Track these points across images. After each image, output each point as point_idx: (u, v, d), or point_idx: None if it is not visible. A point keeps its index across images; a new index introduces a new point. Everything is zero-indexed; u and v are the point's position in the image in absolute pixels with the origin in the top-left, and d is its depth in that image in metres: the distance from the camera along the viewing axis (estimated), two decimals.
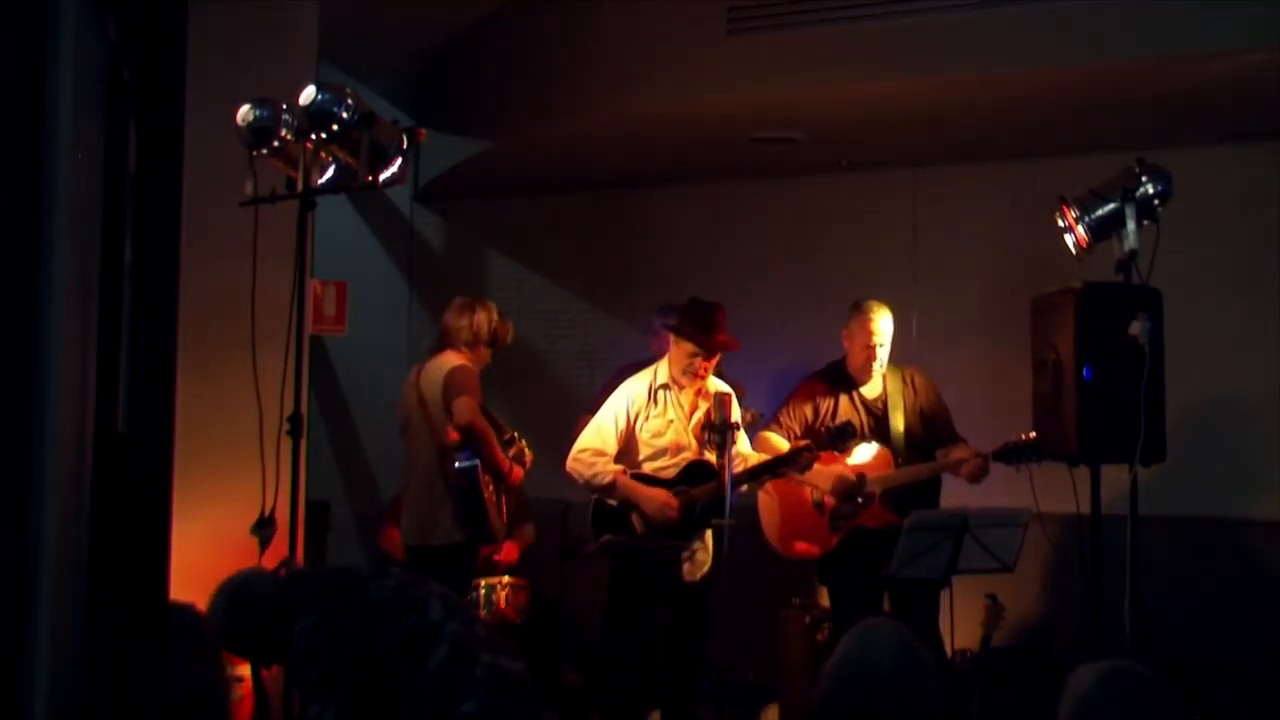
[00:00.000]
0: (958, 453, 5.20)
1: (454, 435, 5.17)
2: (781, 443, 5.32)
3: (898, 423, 5.32)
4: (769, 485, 5.48)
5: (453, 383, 5.17)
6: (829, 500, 5.31)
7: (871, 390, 5.40)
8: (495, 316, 5.35)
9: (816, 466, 5.28)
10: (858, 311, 5.36)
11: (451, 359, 5.27)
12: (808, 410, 5.41)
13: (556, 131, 6.57)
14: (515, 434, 5.58)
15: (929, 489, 5.32)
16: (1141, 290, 4.11)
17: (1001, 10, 5.17)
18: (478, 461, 5.16)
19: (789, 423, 5.42)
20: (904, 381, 5.40)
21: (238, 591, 3.45)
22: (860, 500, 5.25)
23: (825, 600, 5.95)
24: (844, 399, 5.39)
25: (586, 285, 7.74)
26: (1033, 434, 4.59)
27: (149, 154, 1.57)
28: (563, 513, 6.85)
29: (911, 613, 5.13)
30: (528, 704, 3.15)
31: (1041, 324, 4.58)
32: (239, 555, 4.02)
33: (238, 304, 4.22)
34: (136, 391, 1.55)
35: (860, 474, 5.24)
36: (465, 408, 5.11)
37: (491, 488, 5.23)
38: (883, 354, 5.32)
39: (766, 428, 5.47)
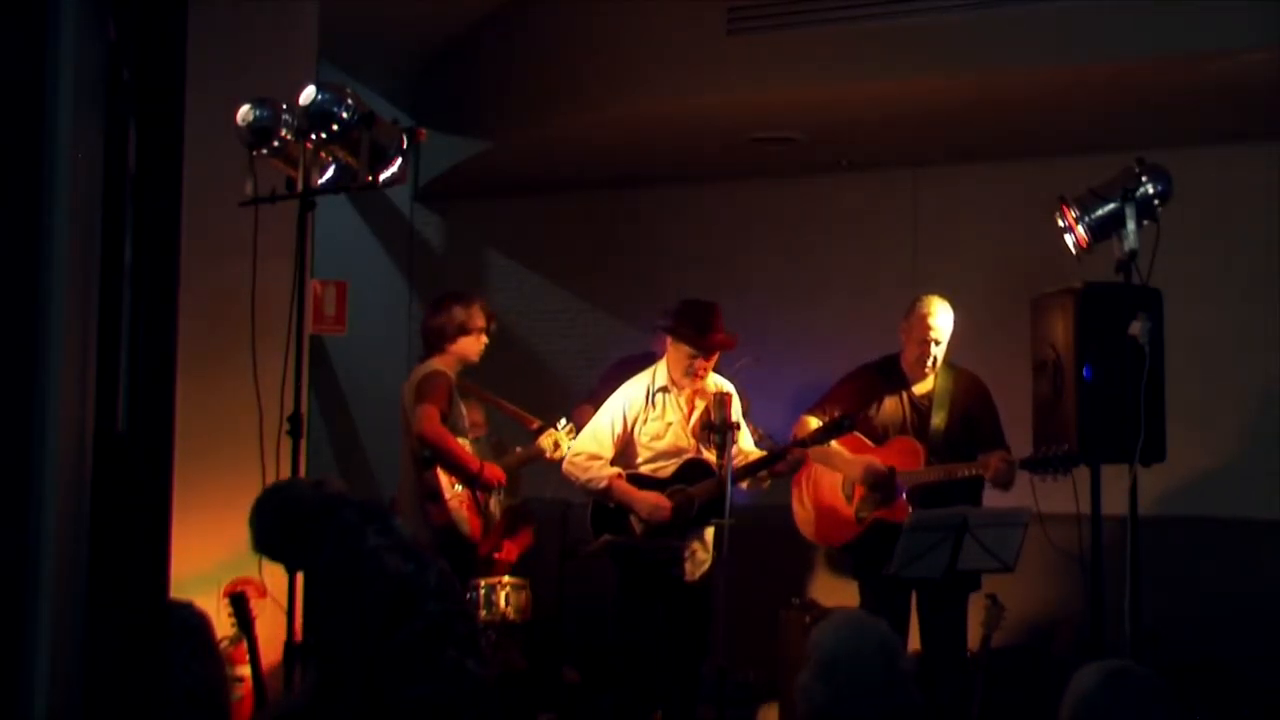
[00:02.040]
0: (991, 457, 5.11)
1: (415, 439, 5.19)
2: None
3: (939, 421, 5.23)
4: (801, 497, 5.45)
5: (420, 390, 5.17)
6: (859, 489, 5.27)
7: (921, 386, 5.32)
8: (454, 310, 5.30)
9: (846, 454, 5.25)
10: (915, 307, 5.26)
11: (429, 365, 5.27)
12: (852, 401, 5.32)
13: (556, 131, 6.57)
14: (565, 420, 5.58)
15: (970, 491, 5.20)
16: (1141, 290, 4.11)
17: (1001, 10, 5.18)
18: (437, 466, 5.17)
19: (832, 411, 5.33)
20: (955, 381, 5.32)
21: (281, 493, 3.63)
22: (884, 492, 5.18)
23: (828, 599, 5.95)
24: (891, 395, 5.33)
25: (586, 285, 7.74)
26: (1065, 445, 4.46)
27: (149, 154, 1.56)
28: (563, 513, 6.85)
29: (940, 611, 5.10)
30: (488, 712, 3.11)
31: (1041, 324, 4.58)
32: (239, 555, 4.02)
33: (238, 304, 4.23)
34: (136, 392, 1.54)
35: (890, 468, 5.18)
36: (422, 416, 5.08)
37: (458, 487, 5.23)
38: (938, 351, 5.22)
39: (810, 412, 5.42)
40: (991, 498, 5.15)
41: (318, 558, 3.12)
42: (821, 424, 5.17)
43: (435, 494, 5.18)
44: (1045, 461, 4.47)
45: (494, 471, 5.32)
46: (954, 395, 5.28)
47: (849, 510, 5.30)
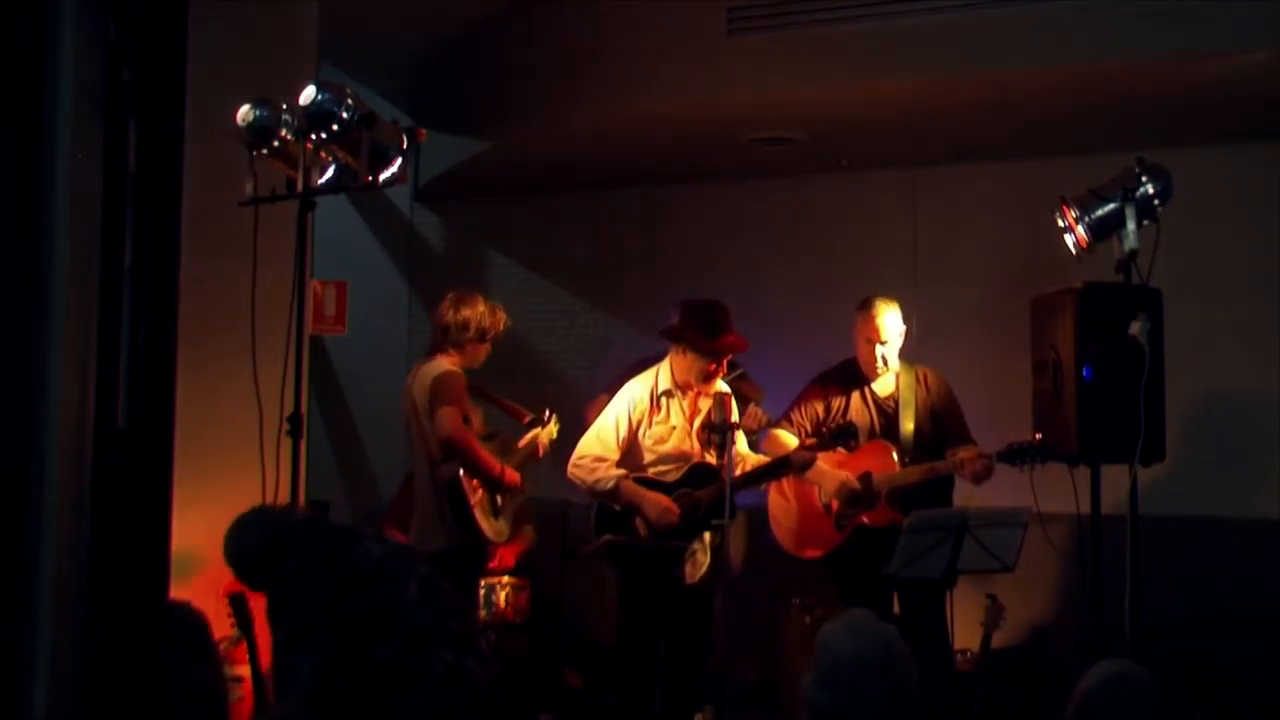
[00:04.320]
0: (963, 452, 5.18)
1: (436, 443, 5.14)
2: (792, 440, 5.31)
3: (908, 421, 5.30)
4: (782, 488, 5.47)
5: (437, 392, 5.12)
6: (834, 502, 5.31)
7: (884, 388, 5.38)
8: (482, 309, 5.28)
9: (823, 466, 5.27)
10: (863, 308, 5.36)
11: (440, 364, 5.22)
12: (819, 408, 5.40)
13: (556, 131, 6.56)
14: (547, 412, 5.58)
15: (942, 489, 5.29)
16: (1141, 290, 4.12)
17: (1001, 10, 5.17)
18: (460, 469, 5.13)
19: (800, 420, 5.40)
20: (917, 380, 5.38)
21: (249, 520, 3.54)
22: (865, 499, 5.24)
23: (827, 599, 5.94)
24: (855, 397, 5.38)
25: (586, 285, 7.74)
26: (1038, 435, 4.58)
27: (149, 154, 1.56)
28: (563, 513, 6.85)
29: (921, 612, 5.13)
30: (489, 710, 3.07)
31: (1041, 324, 4.59)
32: None
33: (238, 304, 4.23)
34: (136, 393, 1.54)
35: (866, 473, 5.23)
36: (445, 419, 5.05)
37: (481, 493, 5.20)
38: (884, 350, 5.31)
39: (778, 425, 5.46)
40: (983, 494, 5.16)
41: (285, 621, 3.09)
42: (824, 431, 5.22)
43: (459, 496, 5.12)
44: (1019, 453, 4.59)
45: (513, 474, 5.29)
46: (918, 395, 5.36)
47: (829, 520, 5.34)
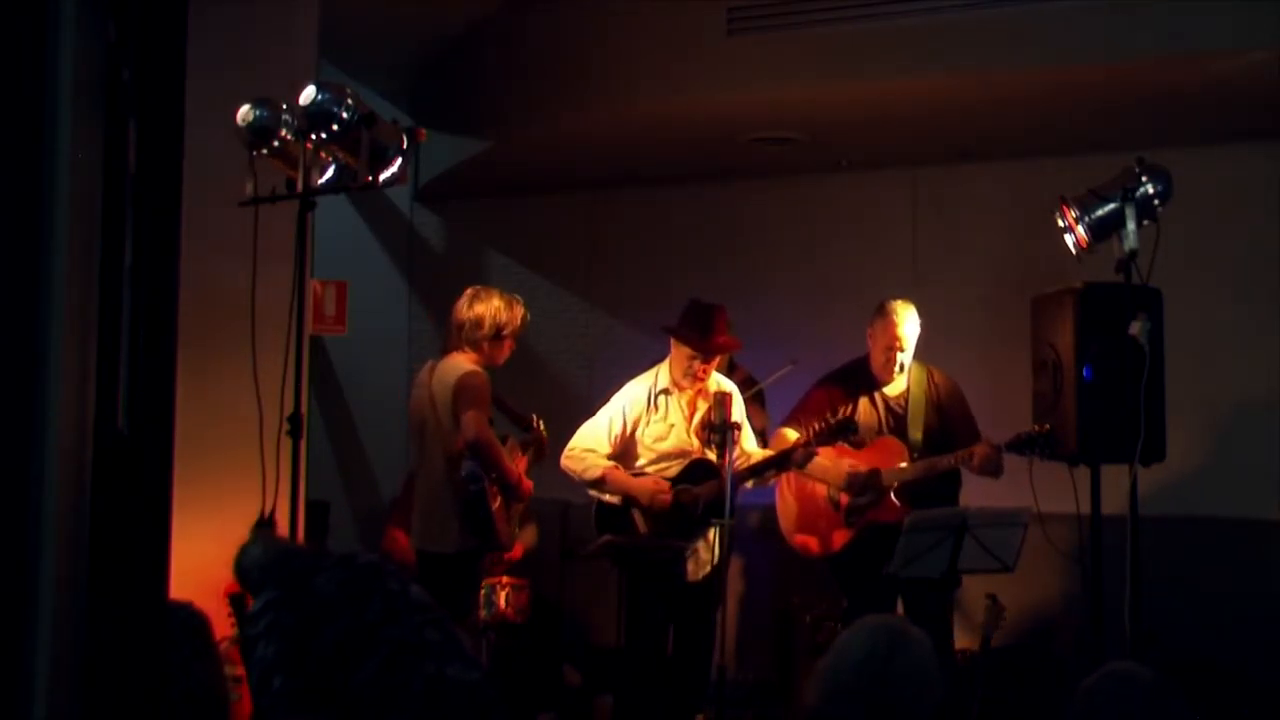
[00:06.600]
0: (972, 446, 5.15)
1: (460, 445, 4.99)
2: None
3: (917, 420, 5.28)
4: (789, 484, 5.47)
5: (462, 393, 4.95)
6: (844, 497, 5.29)
7: (893, 388, 5.36)
8: (497, 304, 5.07)
9: (827, 463, 5.26)
10: (882, 313, 5.29)
11: (462, 363, 5.04)
12: (826, 413, 5.36)
13: (556, 131, 6.57)
14: (534, 417, 5.49)
15: (949, 485, 5.27)
16: (1141, 290, 4.12)
17: (1001, 10, 5.18)
18: (482, 474, 5.04)
19: (808, 421, 5.36)
20: (927, 379, 5.36)
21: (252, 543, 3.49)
22: (874, 494, 5.22)
23: (829, 599, 5.94)
24: (864, 399, 5.35)
25: (586, 285, 7.74)
26: (1046, 425, 4.54)
27: (149, 154, 1.56)
28: (563, 513, 6.85)
29: (924, 610, 5.12)
30: (480, 712, 3.05)
31: (1041, 324, 4.59)
32: None
33: (238, 304, 4.23)
34: (136, 393, 1.54)
35: (874, 469, 5.21)
36: (472, 423, 4.90)
37: (500, 499, 5.13)
38: (904, 356, 5.28)
39: (785, 424, 5.44)
40: (983, 494, 5.16)
41: (255, 661, 3.07)
42: (830, 424, 5.20)
43: (481, 497, 4.99)
44: (1028, 442, 4.57)
45: (528, 485, 5.18)
46: (928, 397, 5.33)
47: (838, 517, 5.32)
